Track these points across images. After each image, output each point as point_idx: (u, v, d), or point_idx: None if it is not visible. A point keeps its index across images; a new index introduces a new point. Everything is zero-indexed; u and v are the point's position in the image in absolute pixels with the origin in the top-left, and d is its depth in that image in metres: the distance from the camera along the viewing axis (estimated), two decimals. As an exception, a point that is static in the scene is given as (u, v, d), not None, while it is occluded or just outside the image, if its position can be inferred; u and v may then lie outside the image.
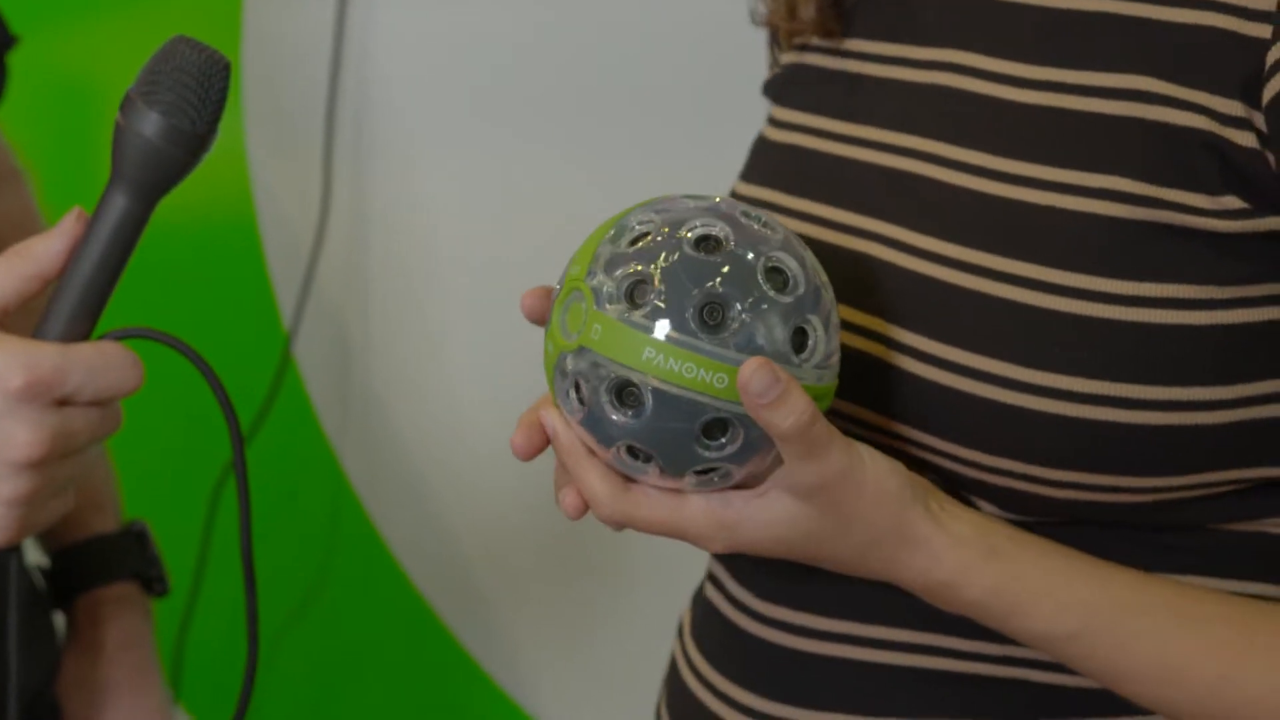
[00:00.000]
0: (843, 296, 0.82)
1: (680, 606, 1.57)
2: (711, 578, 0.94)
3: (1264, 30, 0.74)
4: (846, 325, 0.82)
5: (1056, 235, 0.77)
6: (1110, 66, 0.78)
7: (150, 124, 0.75)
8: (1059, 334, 0.76)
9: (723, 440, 0.73)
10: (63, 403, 0.76)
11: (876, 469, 0.75)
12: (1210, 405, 0.77)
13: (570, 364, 0.74)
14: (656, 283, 0.72)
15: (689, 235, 0.73)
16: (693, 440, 0.72)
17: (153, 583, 1.25)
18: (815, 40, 0.91)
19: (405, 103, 1.68)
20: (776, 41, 0.97)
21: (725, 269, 0.72)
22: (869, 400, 0.80)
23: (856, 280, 0.82)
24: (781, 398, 0.70)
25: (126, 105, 0.75)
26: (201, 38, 0.77)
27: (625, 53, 1.60)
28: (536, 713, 1.72)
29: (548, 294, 0.78)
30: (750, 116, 1.05)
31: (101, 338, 0.77)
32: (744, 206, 0.75)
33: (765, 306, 0.72)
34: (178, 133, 0.75)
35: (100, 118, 1.69)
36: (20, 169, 1.27)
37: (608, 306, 0.73)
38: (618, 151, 1.59)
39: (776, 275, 0.73)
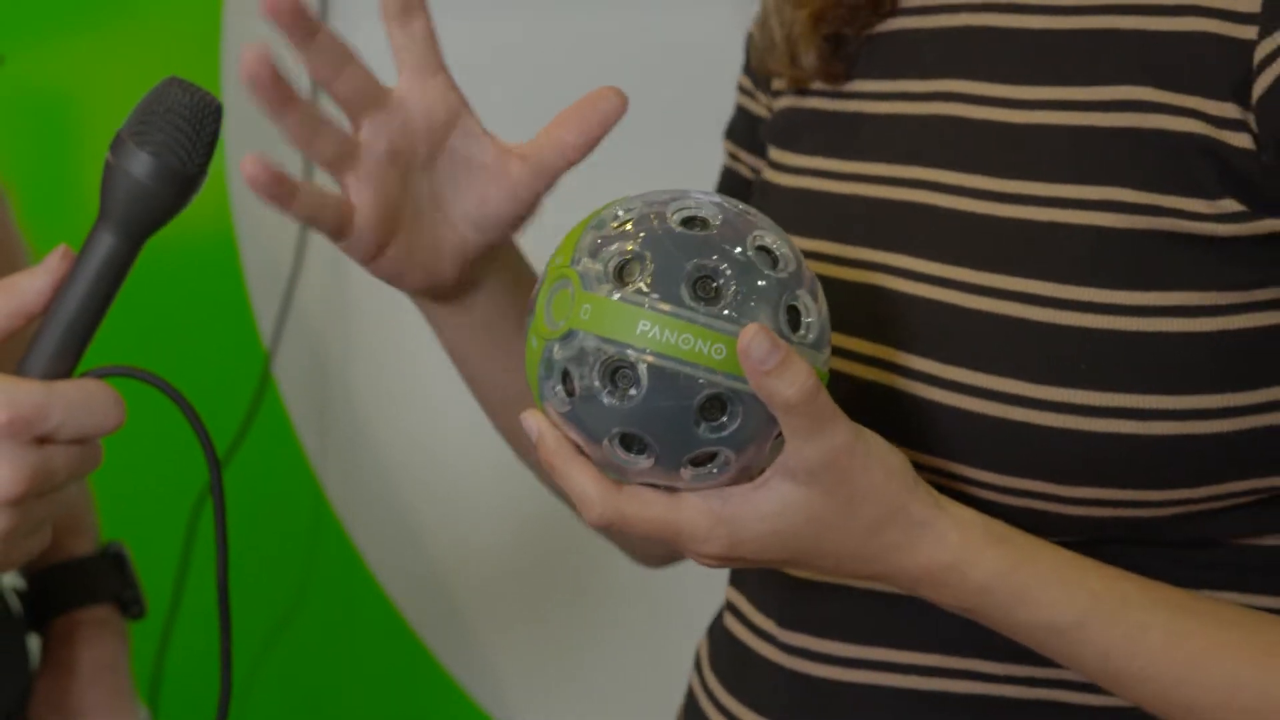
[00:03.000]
0: (852, 329, 0.81)
1: (661, 624, 1.56)
2: (731, 608, 0.92)
3: (1251, 32, 0.74)
4: (857, 357, 0.81)
5: (1059, 250, 0.77)
6: (1105, 80, 0.78)
7: (140, 164, 0.74)
8: (1066, 348, 0.76)
9: (722, 419, 0.70)
10: (43, 440, 0.75)
11: (880, 446, 0.73)
12: (1221, 413, 0.76)
13: (558, 352, 0.71)
14: (647, 260, 0.70)
15: (675, 216, 0.71)
16: (690, 420, 0.69)
17: (129, 605, 1.25)
18: (814, 84, 0.90)
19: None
20: (766, 87, 0.96)
21: (715, 245, 0.70)
22: (884, 430, 0.78)
23: (864, 312, 0.81)
24: (783, 364, 0.68)
25: (117, 145, 0.74)
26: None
27: (605, 70, 1.59)
28: (516, 730, 1.72)
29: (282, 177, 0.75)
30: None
31: (84, 375, 0.77)
32: (725, 196, 0.74)
33: (757, 282, 0.70)
34: (168, 173, 0.74)
35: (79, 135, 1.69)
36: (1, 189, 1.26)
37: (597, 286, 0.70)
38: (597, 168, 1.58)
39: (765, 254, 0.71)
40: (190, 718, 1.71)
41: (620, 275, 0.70)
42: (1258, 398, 0.76)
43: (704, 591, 1.16)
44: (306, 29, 0.76)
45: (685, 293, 0.69)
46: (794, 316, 0.71)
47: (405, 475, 1.71)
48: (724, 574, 0.97)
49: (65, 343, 0.75)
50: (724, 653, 0.92)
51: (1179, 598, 0.76)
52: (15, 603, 1.22)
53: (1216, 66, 0.75)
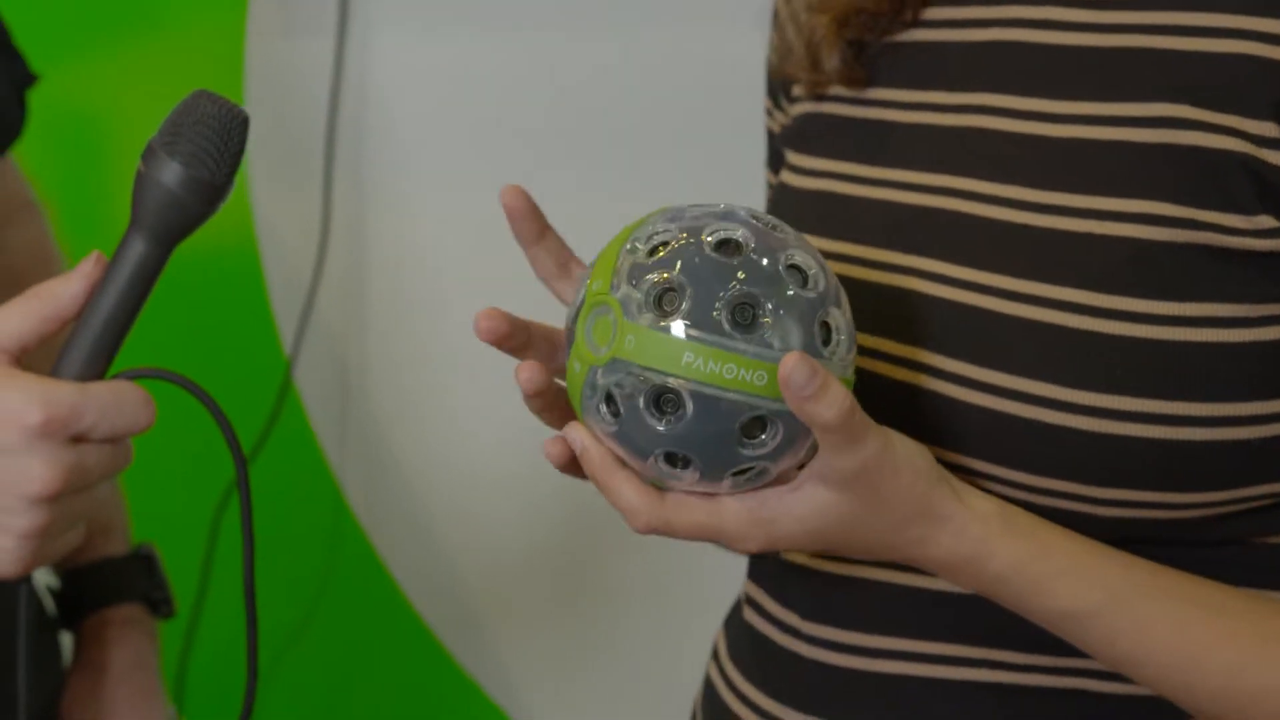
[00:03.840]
0: (885, 330, 0.81)
1: (675, 625, 1.57)
2: (750, 601, 0.93)
3: None
4: (889, 358, 0.82)
5: (1095, 260, 0.77)
6: (1141, 97, 0.79)
7: (171, 173, 0.75)
8: (1101, 355, 0.76)
9: (762, 437, 0.72)
10: (78, 439, 0.76)
11: (907, 449, 0.75)
12: (1249, 420, 0.77)
13: (601, 377, 0.72)
14: (685, 289, 0.71)
15: (709, 240, 0.72)
16: (733, 440, 0.72)
17: (159, 605, 1.25)
18: (835, 90, 0.90)
19: (402, 134, 1.67)
20: (785, 93, 0.96)
21: (750, 270, 0.71)
22: (915, 429, 0.80)
23: (897, 314, 0.82)
24: (822, 389, 0.70)
25: (148, 155, 0.75)
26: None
27: (621, 84, 1.60)
28: (533, 731, 1.72)
29: (503, 315, 0.77)
30: (740, 152, 1.05)
31: (115, 377, 0.77)
32: (751, 209, 0.75)
33: (792, 303, 0.71)
34: (197, 182, 0.75)
35: (113, 151, 1.69)
36: (38, 202, 1.27)
37: (638, 316, 0.71)
38: (614, 181, 1.59)
39: (797, 273, 0.73)
40: (214, 713, 1.72)
41: (660, 304, 0.71)
42: None
43: (712, 589, 1.16)
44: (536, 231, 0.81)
45: (725, 321, 0.71)
46: (826, 333, 0.73)
47: (423, 479, 1.72)
48: (733, 572, 0.99)
49: (98, 346, 0.76)
50: (744, 644, 0.92)
51: (1187, 586, 0.77)
52: (49, 601, 1.23)
53: (1257, 87, 0.75)
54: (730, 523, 0.74)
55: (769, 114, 0.99)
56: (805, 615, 0.87)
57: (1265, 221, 0.76)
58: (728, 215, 0.74)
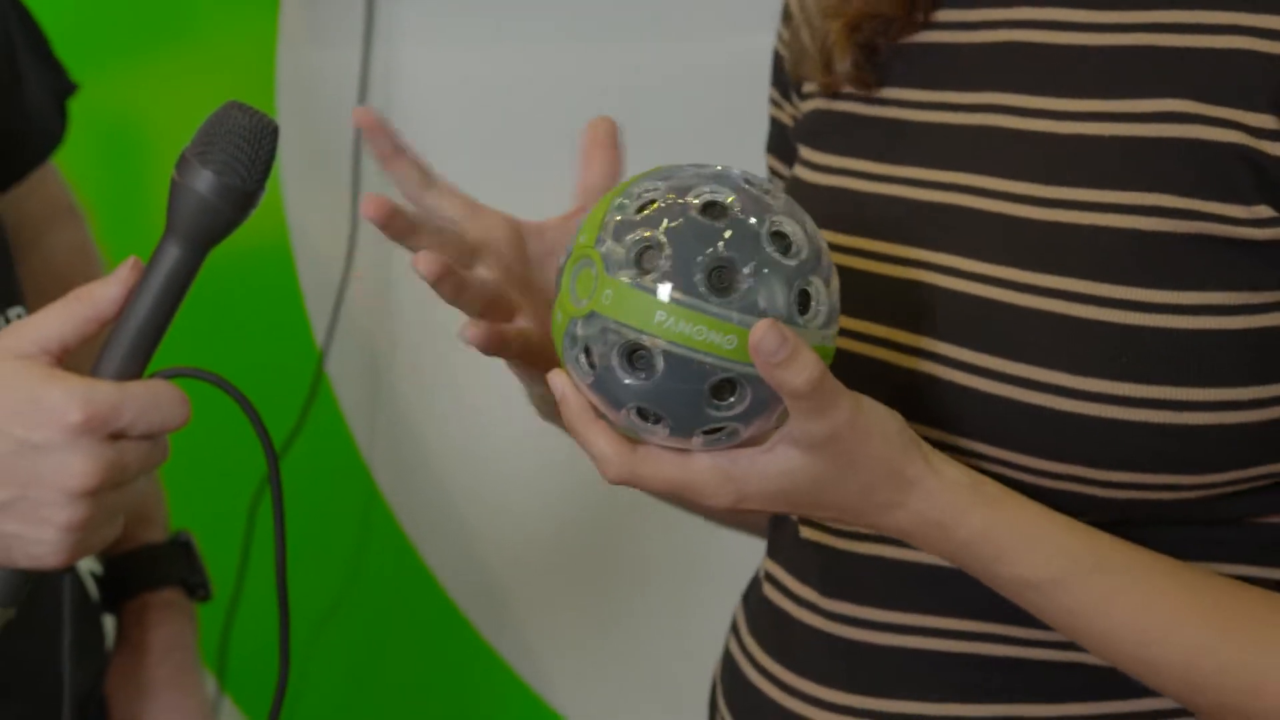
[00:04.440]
0: (897, 321, 0.81)
1: (702, 605, 1.58)
2: (769, 578, 0.93)
3: None
4: (902, 348, 0.81)
5: (1102, 251, 0.78)
6: (1145, 93, 0.79)
7: (204, 181, 0.75)
8: (1106, 343, 0.77)
9: (731, 400, 0.71)
10: (116, 436, 0.77)
11: (878, 415, 0.74)
12: (1251, 404, 0.77)
13: (580, 329, 0.72)
14: (665, 248, 0.70)
15: (696, 201, 0.71)
16: (702, 401, 0.71)
17: (196, 589, 1.26)
18: (847, 89, 0.90)
19: (426, 138, 1.67)
20: (797, 89, 0.96)
21: (731, 233, 0.70)
22: (926, 417, 0.80)
23: (909, 306, 0.82)
24: (791, 357, 0.69)
25: (182, 164, 0.76)
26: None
27: (645, 91, 1.60)
28: (565, 712, 1.72)
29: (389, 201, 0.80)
30: (756, 159, 1.05)
31: (153, 376, 0.78)
32: (747, 173, 0.74)
33: (771, 270, 0.70)
34: (229, 190, 0.76)
35: (150, 157, 1.70)
36: (79, 207, 1.28)
37: (618, 272, 0.71)
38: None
39: (780, 239, 0.71)
40: (254, 690, 1.73)
41: (640, 261, 0.71)
42: None
43: (730, 568, 1.17)
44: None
45: (701, 283, 0.70)
46: (804, 301, 0.71)
47: (451, 464, 1.72)
48: (750, 551, 0.99)
49: (136, 346, 0.77)
50: (763, 619, 0.92)
51: (1153, 563, 0.77)
52: (91, 586, 1.24)
53: (1256, 81, 0.76)
54: (699, 479, 0.74)
55: (776, 104, 0.99)
56: (824, 591, 0.88)
57: (1264, 211, 0.76)
58: (719, 178, 0.73)
